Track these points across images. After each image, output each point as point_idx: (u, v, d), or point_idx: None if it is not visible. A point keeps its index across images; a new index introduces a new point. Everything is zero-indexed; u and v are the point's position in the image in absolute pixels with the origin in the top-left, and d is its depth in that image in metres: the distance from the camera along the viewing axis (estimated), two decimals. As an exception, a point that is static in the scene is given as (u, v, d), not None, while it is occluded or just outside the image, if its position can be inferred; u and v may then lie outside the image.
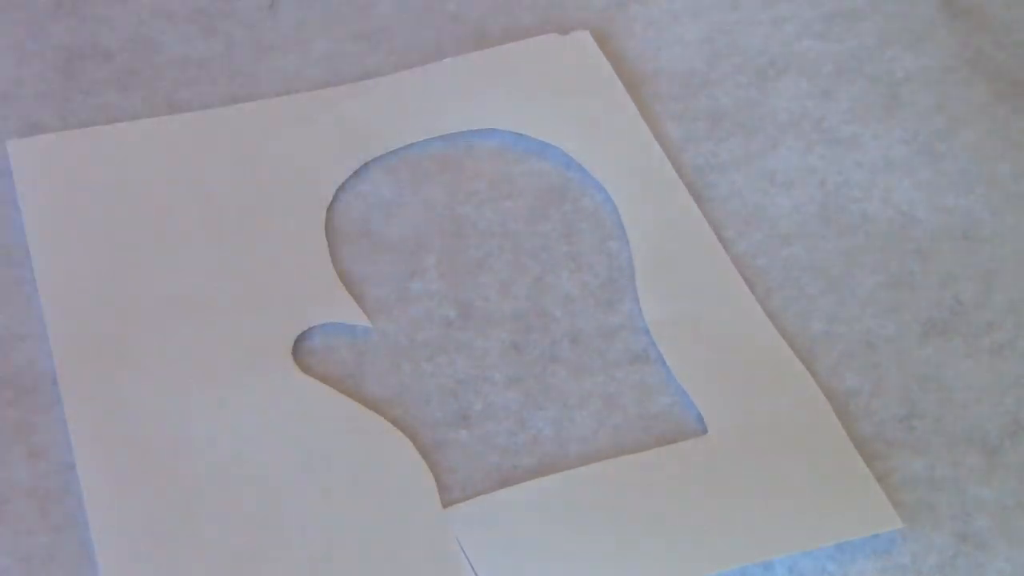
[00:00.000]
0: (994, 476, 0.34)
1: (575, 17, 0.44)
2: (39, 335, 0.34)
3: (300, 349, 0.35)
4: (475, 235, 0.38)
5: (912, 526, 0.33)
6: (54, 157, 0.38)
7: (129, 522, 0.31)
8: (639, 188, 0.39)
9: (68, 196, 0.37)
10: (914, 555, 0.33)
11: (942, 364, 0.37)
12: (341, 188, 0.39)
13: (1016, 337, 0.37)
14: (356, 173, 0.39)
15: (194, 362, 0.34)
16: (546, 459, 0.33)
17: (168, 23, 0.42)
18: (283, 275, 0.36)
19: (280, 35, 0.42)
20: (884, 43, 0.45)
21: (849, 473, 0.33)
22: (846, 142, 0.42)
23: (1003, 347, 0.37)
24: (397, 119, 0.40)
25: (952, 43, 0.45)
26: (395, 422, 0.34)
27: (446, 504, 0.32)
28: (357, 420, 0.33)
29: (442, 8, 0.44)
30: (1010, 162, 0.42)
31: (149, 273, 0.35)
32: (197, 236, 0.36)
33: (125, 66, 0.41)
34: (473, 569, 0.31)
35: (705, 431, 0.34)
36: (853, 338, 0.37)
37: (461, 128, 0.40)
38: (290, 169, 0.38)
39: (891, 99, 0.43)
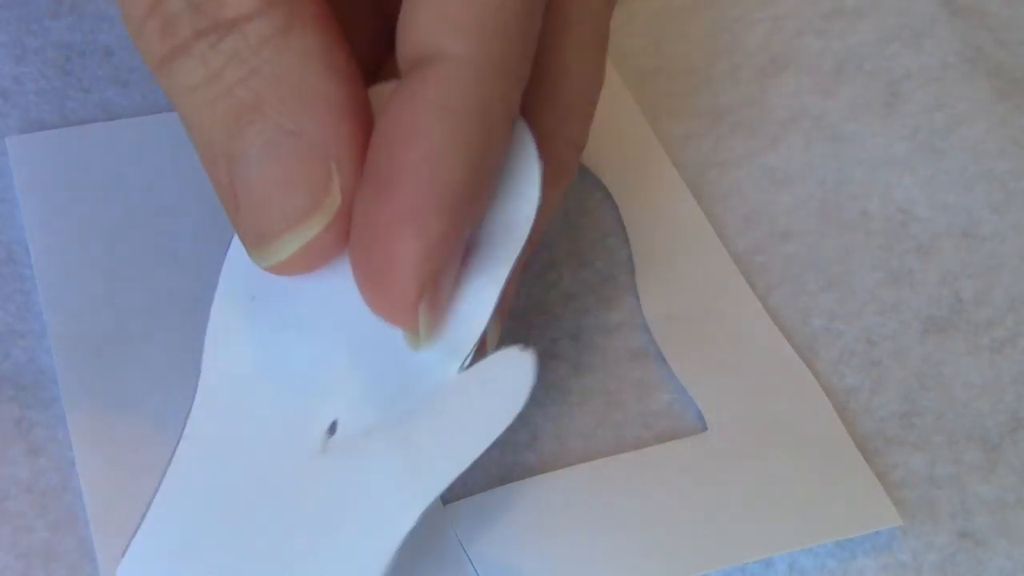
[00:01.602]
0: (994, 473, 0.34)
1: (575, 14, 0.44)
2: (39, 332, 0.34)
3: (300, 346, 0.35)
4: (475, 232, 0.38)
5: (912, 524, 0.33)
6: (53, 153, 0.38)
7: (129, 519, 0.31)
8: (639, 185, 0.39)
9: (67, 193, 0.37)
10: (914, 552, 0.33)
11: (942, 361, 0.37)
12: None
13: (1016, 335, 0.37)
14: (356, 170, 0.39)
15: (194, 360, 0.34)
16: (546, 456, 0.33)
17: (168, 20, 0.42)
18: None
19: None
20: (884, 40, 0.45)
21: (849, 470, 0.33)
22: (846, 139, 0.42)
23: (1003, 344, 0.37)
24: None
25: (952, 41, 0.45)
26: (395, 419, 0.34)
27: (446, 502, 0.32)
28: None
29: (442, 5, 0.44)
30: (1010, 160, 0.42)
31: (149, 270, 0.35)
32: (197, 233, 0.36)
33: (125, 64, 0.41)
34: (473, 566, 0.31)
35: (705, 428, 0.34)
36: (853, 335, 0.37)
37: None
38: None
39: (891, 96, 0.43)
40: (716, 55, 0.44)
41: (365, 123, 0.28)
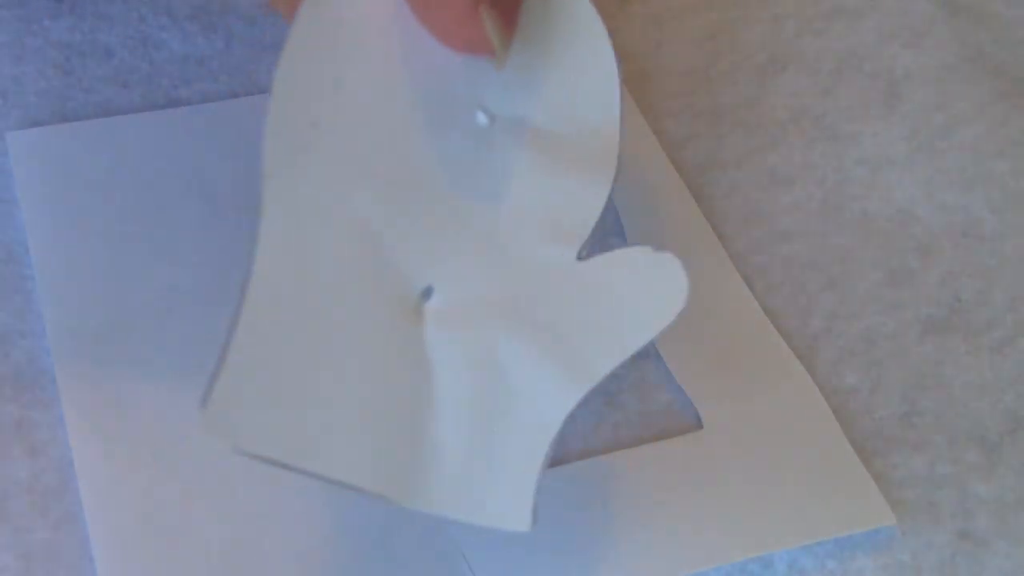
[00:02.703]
0: (994, 473, 0.34)
1: (575, 14, 0.44)
2: (39, 332, 0.34)
3: (300, 346, 0.35)
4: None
5: (912, 523, 0.33)
6: (53, 149, 0.38)
7: (126, 518, 0.31)
8: (638, 185, 0.39)
9: (67, 187, 0.37)
10: (914, 552, 0.33)
11: (942, 362, 0.37)
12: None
13: (1016, 335, 0.37)
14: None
15: (193, 357, 0.34)
16: (546, 456, 0.33)
17: (168, 20, 0.42)
18: None
19: (281, 32, 0.42)
20: (884, 40, 0.45)
21: (843, 469, 0.33)
22: (846, 139, 0.42)
23: (1003, 345, 0.37)
24: None
25: (952, 41, 0.45)
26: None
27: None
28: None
29: (442, 5, 0.44)
30: (1010, 160, 0.42)
31: (149, 265, 0.35)
32: (197, 229, 0.36)
33: (125, 64, 0.41)
34: (469, 566, 0.31)
35: (702, 427, 0.34)
36: (853, 336, 0.37)
37: None
38: None
39: (891, 96, 0.43)
40: (716, 55, 0.44)
41: None
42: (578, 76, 0.29)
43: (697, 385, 0.35)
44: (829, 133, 0.42)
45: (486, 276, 0.28)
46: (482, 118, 0.29)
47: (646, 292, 0.28)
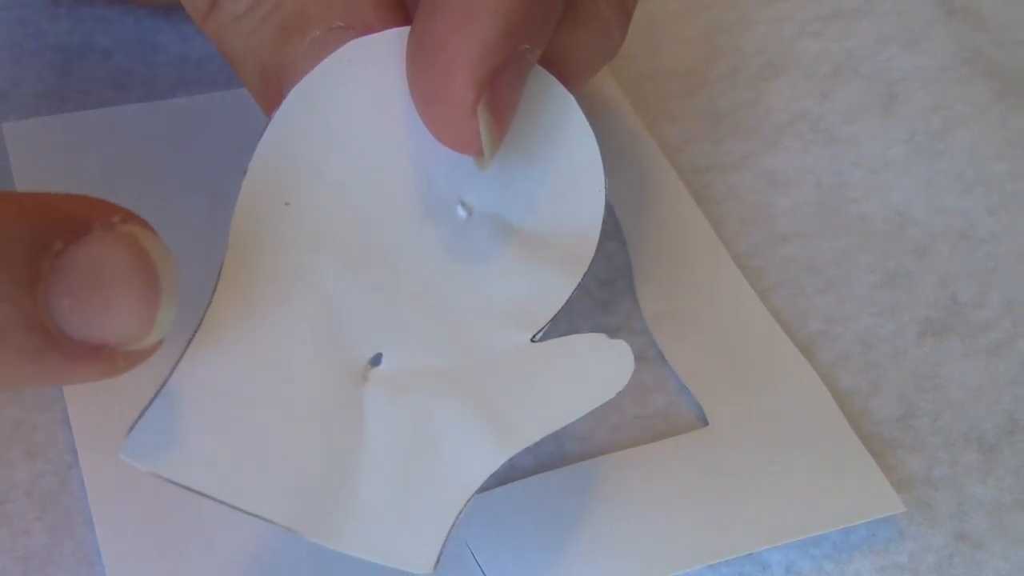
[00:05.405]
0: (991, 475, 0.34)
1: (573, 17, 0.44)
2: (37, 335, 0.34)
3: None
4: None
5: (909, 525, 0.33)
6: (51, 140, 0.38)
7: (134, 519, 0.31)
8: (636, 188, 0.39)
9: (65, 179, 0.37)
10: (912, 554, 0.33)
11: (939, 364, 0.37)
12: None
13: (1013, 336, 0.37)
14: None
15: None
16: (543, 459, 0.33)
17: (166, 22, 0.42)
18: None
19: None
20: (881, 43, 0.45)
21: (851, 460, 0.33)
22: (843, 142, 0.42)
23: (1000, 346, 0.37)
24: None
25: (950, 42, 0.45)
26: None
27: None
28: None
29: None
30: (1008, 161, 0.42)
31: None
32: (198, 222, 0.36)
33: (123, 66, 0.41)
34: (479, 565, 0.31)
35: (706, 425, 0.34)
36: (850, 338, 0.37)
37: None
38: None
39: (888, 99, 0.43)
40: (714, 58, 0.44)
41: (404, 17, 0.29)
42: (563, 183, 0.30)
43: (702, 383, 0.35)
44: (827, 136, 0.42)
45: (437, 352, 0.29)
46: (461, 212, 0.30)
47: (592, 371, 0.29)
